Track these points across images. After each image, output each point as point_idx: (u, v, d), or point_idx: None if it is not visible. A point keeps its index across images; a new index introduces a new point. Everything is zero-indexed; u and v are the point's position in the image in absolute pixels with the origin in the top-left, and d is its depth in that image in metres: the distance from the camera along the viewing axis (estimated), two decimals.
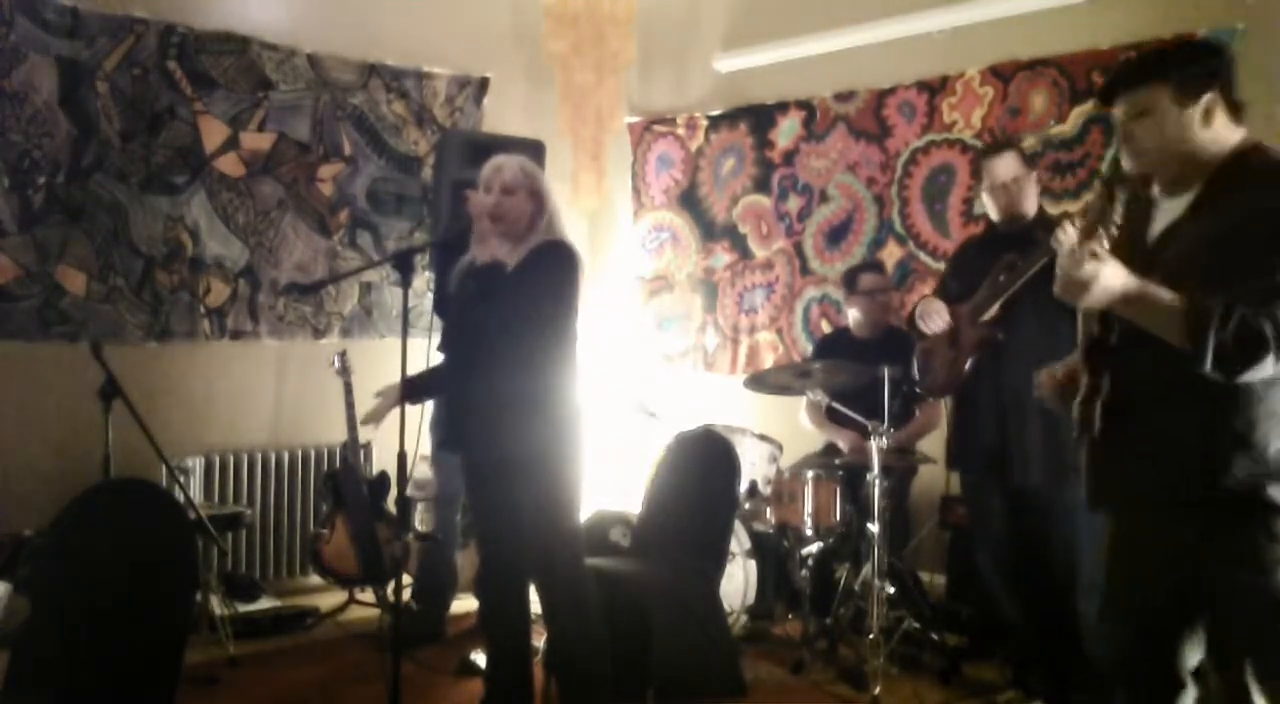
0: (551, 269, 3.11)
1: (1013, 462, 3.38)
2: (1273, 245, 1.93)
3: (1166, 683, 2.16)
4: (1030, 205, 3.54)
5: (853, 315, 4.63)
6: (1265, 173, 2.01)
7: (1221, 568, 2.04)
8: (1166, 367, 2.01)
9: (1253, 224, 1.96)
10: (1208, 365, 1.90)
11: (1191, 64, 2.10)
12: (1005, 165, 3.51)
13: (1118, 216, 1.97)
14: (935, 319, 3.57)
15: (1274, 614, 2.00)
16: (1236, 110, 2.08)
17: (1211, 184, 2.05)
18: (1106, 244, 1.96)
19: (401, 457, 2.96)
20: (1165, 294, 1.96)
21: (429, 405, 3.27)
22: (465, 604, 4.49)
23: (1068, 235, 2.65)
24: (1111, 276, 1.97)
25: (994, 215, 3.60)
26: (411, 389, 3.16)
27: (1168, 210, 2.12)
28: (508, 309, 3.06)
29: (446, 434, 3.29)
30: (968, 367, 3.48)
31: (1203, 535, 2.05)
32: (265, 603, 4.57)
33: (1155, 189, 2.17)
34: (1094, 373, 2.14)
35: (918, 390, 3.83)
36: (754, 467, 4.46)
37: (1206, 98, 2.04)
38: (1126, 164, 2.14)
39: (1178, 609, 2.13)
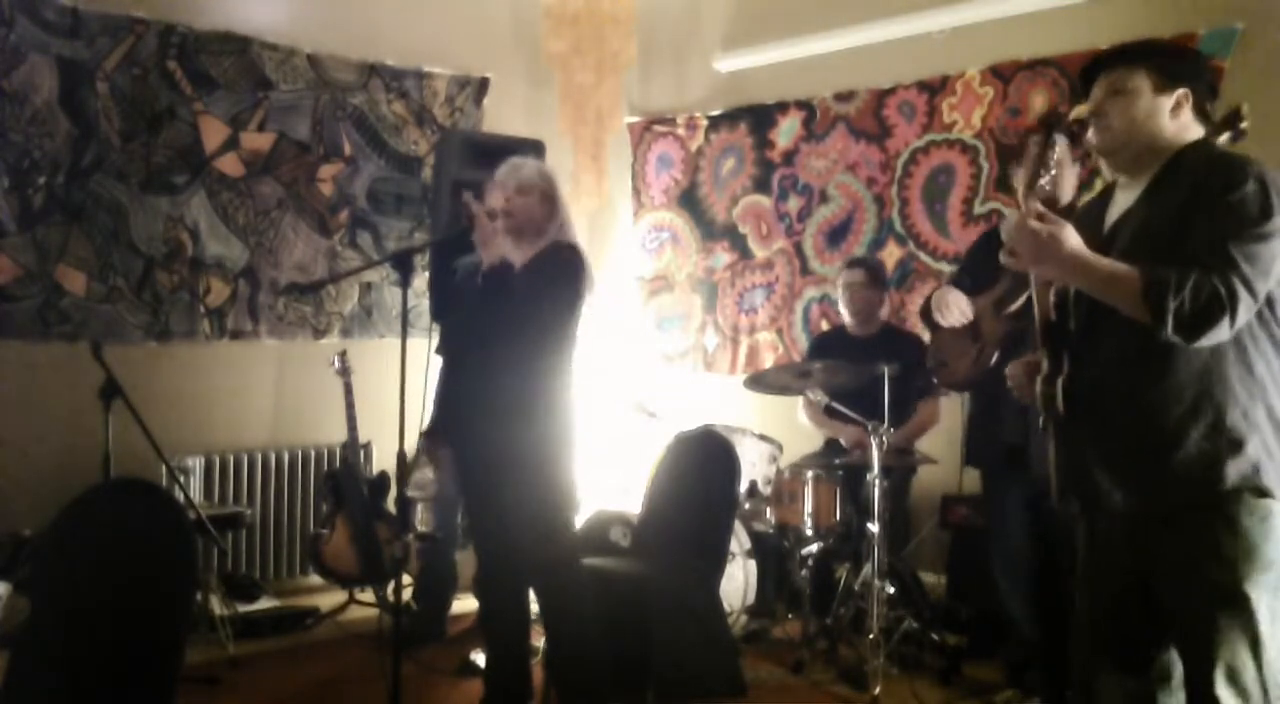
0: (557, 273, 3.14)
1: (1035, 458, 3.33)
2: (1213, 218, 2.01)
3: (1148, 681, 2.16)
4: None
5: (842, 310, 4.64)
6: (1205, 159, 2.12)
7: (1184, 566, 2.06)
8: (1125, 353, 2.07)
9: (1191, 205, 2.05)
10: (1169, 329, 1.96)
11: (1176, 59, 2.27)
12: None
13: (1055, 155, 2.09)
14: (954, 312, 3.43)
15: (1236, 610, 2.00)
16: (1204, 116, 2.19)
17: (1163, 171, 2.14)
18: (1048, 184, 2.08)
19: (401, 456, 2.97)
20: (1119, 264, 2.03)
21: (430, 407, 3.28)
22: (465, 604, 4.49)
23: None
24: (1073, 236, 2.03)
25: None
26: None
27: (1121, 202, 2.21)
28: (513, 309, 3.07)
29: (436, 425, 3.29)
30: (994, 361, 3.35)
31: (1164, 533, 2.07)
32: (265, 603, 4.57)
33: (1116, 181, 2.26)
34: (1053, 354, 2.18)
35: (935, 383, 3.74)
36: (754, 467, 4.47)
37: (1180, 92, 2.14)
38: (1093, 139, 2.20)
39: (1148, 609, 2.13)
